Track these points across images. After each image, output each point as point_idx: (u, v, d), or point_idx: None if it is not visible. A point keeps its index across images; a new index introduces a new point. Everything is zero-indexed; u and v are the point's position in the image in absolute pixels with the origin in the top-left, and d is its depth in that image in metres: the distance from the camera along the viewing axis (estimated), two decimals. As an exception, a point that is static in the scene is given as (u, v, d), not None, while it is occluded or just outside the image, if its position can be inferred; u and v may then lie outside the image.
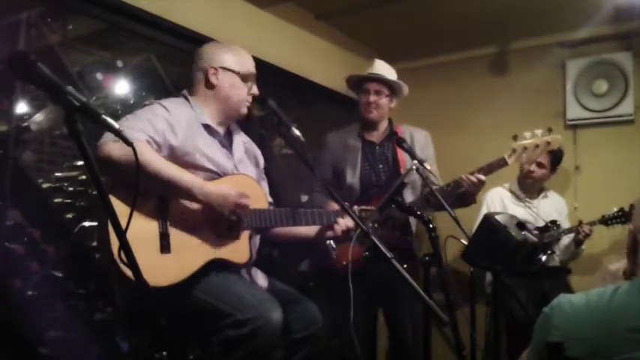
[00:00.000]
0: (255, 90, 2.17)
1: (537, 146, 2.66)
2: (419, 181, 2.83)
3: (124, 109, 3.00)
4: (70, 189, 2.88)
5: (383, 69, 2.99)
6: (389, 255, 1.80)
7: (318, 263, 2.84)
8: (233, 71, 2.12)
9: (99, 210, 1.83)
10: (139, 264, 1.28)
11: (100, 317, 2.71)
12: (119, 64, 3.05)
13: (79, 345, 2.48)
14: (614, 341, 1.23)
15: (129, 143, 1.29)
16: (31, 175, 2.67)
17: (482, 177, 2.67)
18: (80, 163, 2.91)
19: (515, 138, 2.69)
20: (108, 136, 1.78)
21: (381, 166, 2.96)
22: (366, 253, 2.67)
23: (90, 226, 2.81)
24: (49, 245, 2.59)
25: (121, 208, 1.74)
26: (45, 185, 2.84)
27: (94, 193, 2.81)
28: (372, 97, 2.92)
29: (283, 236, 2.25)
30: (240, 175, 2.10)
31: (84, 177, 2.87)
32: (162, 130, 1.90)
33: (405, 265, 1.85)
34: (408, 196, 2.87)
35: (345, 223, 2.15)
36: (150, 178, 1.78)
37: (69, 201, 2.87)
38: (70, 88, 1.20)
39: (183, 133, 1.96)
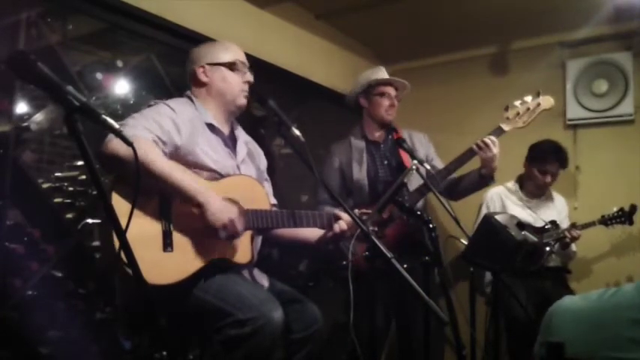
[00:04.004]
0: (249, 77, 2.16)
1: (529, 109, 2.79)
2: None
3: (124, 109, 2.99)
4: (70, 189, 2.88)
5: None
6: (389, 255, 1.81)
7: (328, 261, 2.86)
8: (220, 64, 2.12)
9: (101, 208, 1.83)
10: (141, 261, 1.27)
11: (100, 317, 2.71)
12: (119, 64, 3.04)
13: (79, 345, 2.48)
14: (614, 340, 1.23)
15: (129, 143, 1.29)
16: (31, 175, 2.66)
17: (493, 138, 2.78)
18: (80, 163, 2.90)
19: (506, 109, 2.83)
20: None
21: (385, 162, 3.06)
22: (366, 253, 2.68)
23: (91, 225, 2.81)
24: (49, 245, 2.59)
25: (123, 206, 1.74)
26: (45, 185, 2.83)
27: (94, 193, 2.80)
28: (395, 101, 3.10)
29: (284, 238, 2.25)
30: (242, 175, 2.10)
31: (84, 177, 2.87)
32: (167, 130, 1.90)
33: (405, 265, 1.86)
34: (414, 183, 2.90)
35: (344, 222, 2.13)
36: (154, 178, 1.78)
37: (69, 201, 2.86)
38: (70, 88, 1.20)
39: (188, 133, 1.96)
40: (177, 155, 1.92)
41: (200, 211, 1.85)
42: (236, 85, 2.13)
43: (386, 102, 3.07)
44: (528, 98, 2.81)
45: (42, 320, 2.41)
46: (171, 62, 3.18)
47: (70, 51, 2.86)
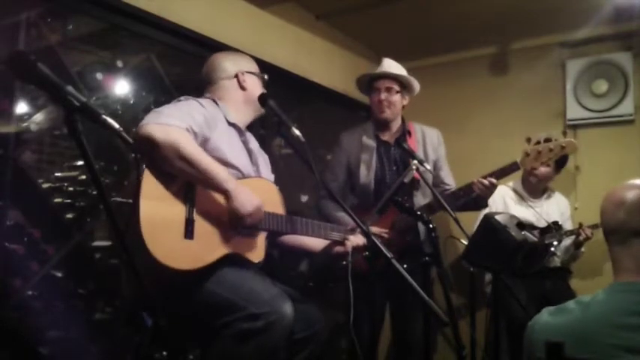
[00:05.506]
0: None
1: (551, 150, 2.61)
2: (428, 182, 2.83)
3: (124, 109, 2.99)
4: (70, 189, 2.88)
5: (392, 66, 2.95)
6: (389, 255, 1.81)
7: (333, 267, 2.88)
8: (254, 73, 2.27)
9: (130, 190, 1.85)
10: (162, 244, 1.28)
11: (100, 317, 2.71)
12: (119, 64, 3.04)
13: (79, 345, 2.48)
14: (600, 350, 1.23)
15: (129, 143, 1.31)
16: (31, 175, 2.66)
17: (494, 181, 2.66)
18: (80, 163, 2.90)
19: (528, 141, 2.65)
20: (149, 119, 1.82)
21: (394, 167, 2.93)
22: (366, 253, 2.68)
23: (91, 225, 2.81)
24: (49, 245, 2.59)
25: (154, 188, 1.81)
26: (45, 185, 2.83)
27: (94, 192, 2.80)
28: (383, 95, 2.87)
29: (289, 243, 2.29)
30: (263, 179, 2.16)
31: (84, 177, 2.87)
32: (200, 123, 1.94)
33: (405, 266, 1.86)
34: (420, 200, 2.87)
35: (355, 240, 2.22)
36: (184, 162, 1.81)
37: (69, 201, 2.86)
38: (70, 88, 1.20)
39: (215, 130, 2.01)
40: (205, 150, 1.95)
41: (226, 198, 1.89)
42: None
43: (375, 97, 2.90)
44: (554, 135, 2.63)
45: (42, 320, 2.42)
46: (171, 62, 3.17)
47: (70, 51, 2.85)
